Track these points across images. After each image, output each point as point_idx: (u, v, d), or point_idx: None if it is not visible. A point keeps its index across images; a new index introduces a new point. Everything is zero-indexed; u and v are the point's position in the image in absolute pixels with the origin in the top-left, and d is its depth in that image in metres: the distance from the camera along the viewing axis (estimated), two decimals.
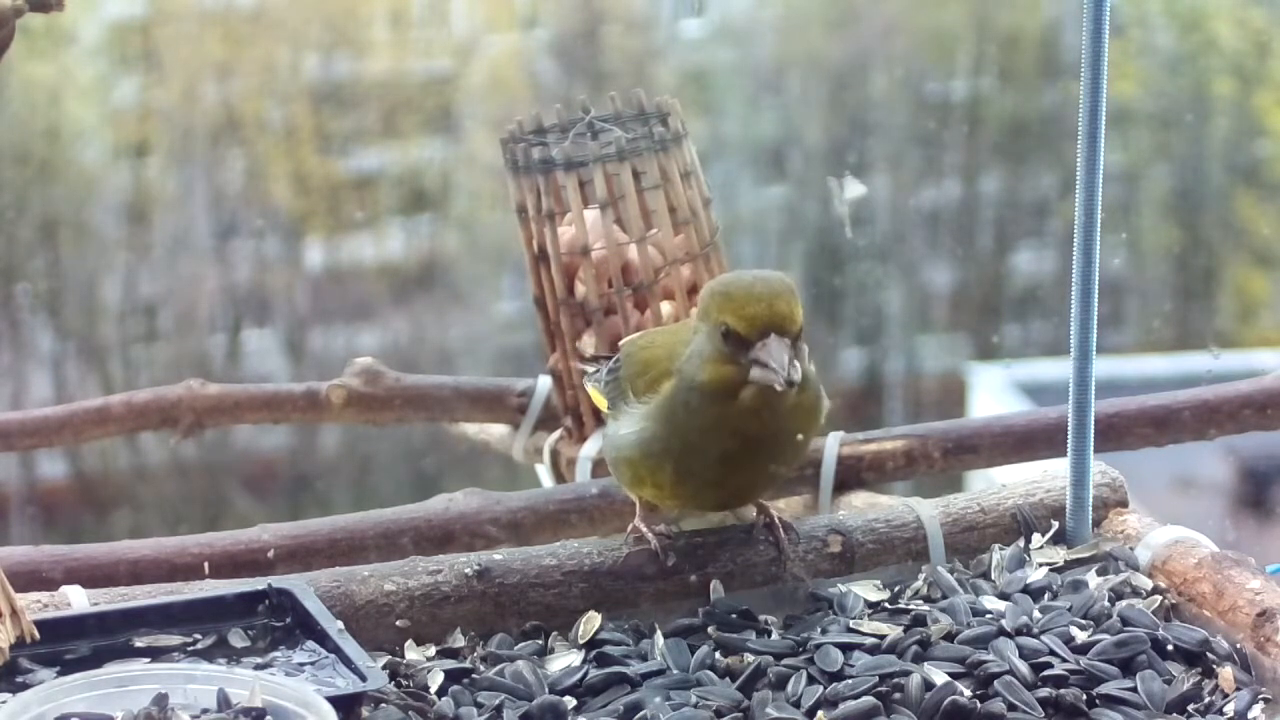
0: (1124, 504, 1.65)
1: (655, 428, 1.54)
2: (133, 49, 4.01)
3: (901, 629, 1.47)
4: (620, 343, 1.71)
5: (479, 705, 1.40)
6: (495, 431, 2.13)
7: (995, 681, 1.40)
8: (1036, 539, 1.61)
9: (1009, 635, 1.46)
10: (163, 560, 1.69)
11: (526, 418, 2.09)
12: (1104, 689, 1.40)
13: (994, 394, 4.12)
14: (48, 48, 3.83)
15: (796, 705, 1.40)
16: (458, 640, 1.49)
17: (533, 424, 2.08)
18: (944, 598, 1.53)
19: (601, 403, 1.65)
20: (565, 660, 1.46)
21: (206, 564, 1.68)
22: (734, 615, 1.51)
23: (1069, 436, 1.61)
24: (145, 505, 3.93)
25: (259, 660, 1.40)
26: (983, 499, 1.63)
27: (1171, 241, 4.19)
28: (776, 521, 1.57)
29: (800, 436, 1.54)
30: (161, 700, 1.27)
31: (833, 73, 4.18)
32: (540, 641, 1.50)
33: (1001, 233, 4.32)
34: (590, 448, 1.97)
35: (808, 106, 4.21)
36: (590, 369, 1.74)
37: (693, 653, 1.46)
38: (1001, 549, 1.59)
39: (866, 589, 1.55)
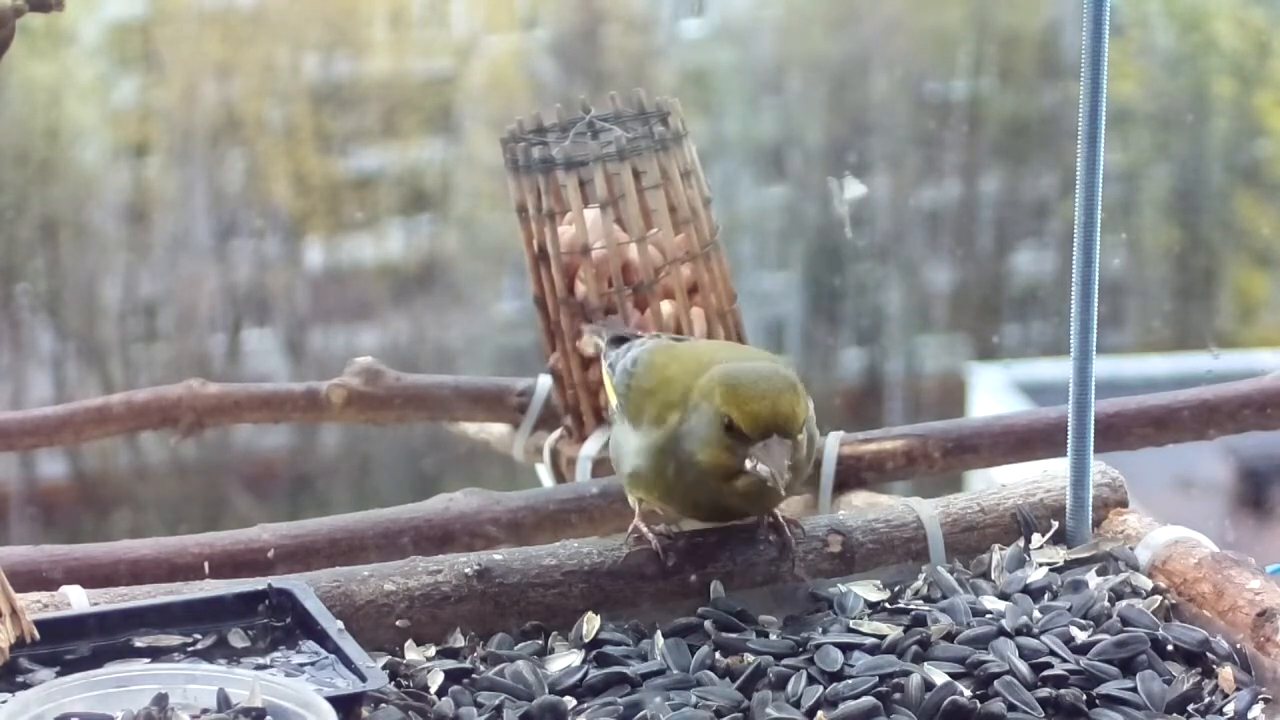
0: (1124, 504, 1.64)
1: (651, 461, 1.55)
2: (133, 49, 4.01)
3: (901, 629, 1.47)
4: (645, 336, 1.70)
5: (479, 705, 1.40)
6: (495, 431, 2.13)
7: (995, 681, 1.40)
8: (1036, 539, 1.60)
9: (1009, 635, 1.46)
10: (163, 560, 1.69)
11: (526, 418, 2.09)
12: (1104, 689, 1.40)
13: (994, 394, 4.12)
14: (48, 48, 3.83)
15: (796, 705, 1.40)
16: (458, 640, 1.49)
17: (533, 424, 2.09)
18: (944, 598, 1.53)
19: (611, 394, 1.66)
20: (565, 660, 1.46)
21: (206, 564, 1.68)
22: (734, 615, 1.51)
23: (1069, 436, 1.61)
24: (145, 505, 3.93)
25: (259, 660, 1.40)
26: (983, 499, 1.63)
27: (1171, 241, 4.19)
28: (780, 520, 1.57)
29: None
30: (161, 700, 1.27)
31: (833, 73, 4.18)
32: (540, 641, 1.50)
33: (1001, 233, 4.32)
34: (590, 448, 1.97)
35: (808, 106, 4.21)
36: (604, 338, 1.73)
37: (693, 653, 1.46)
38: (1001, 549, 1.59)
39: (866, 589, 1.55)
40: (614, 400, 1.65)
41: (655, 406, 1.56)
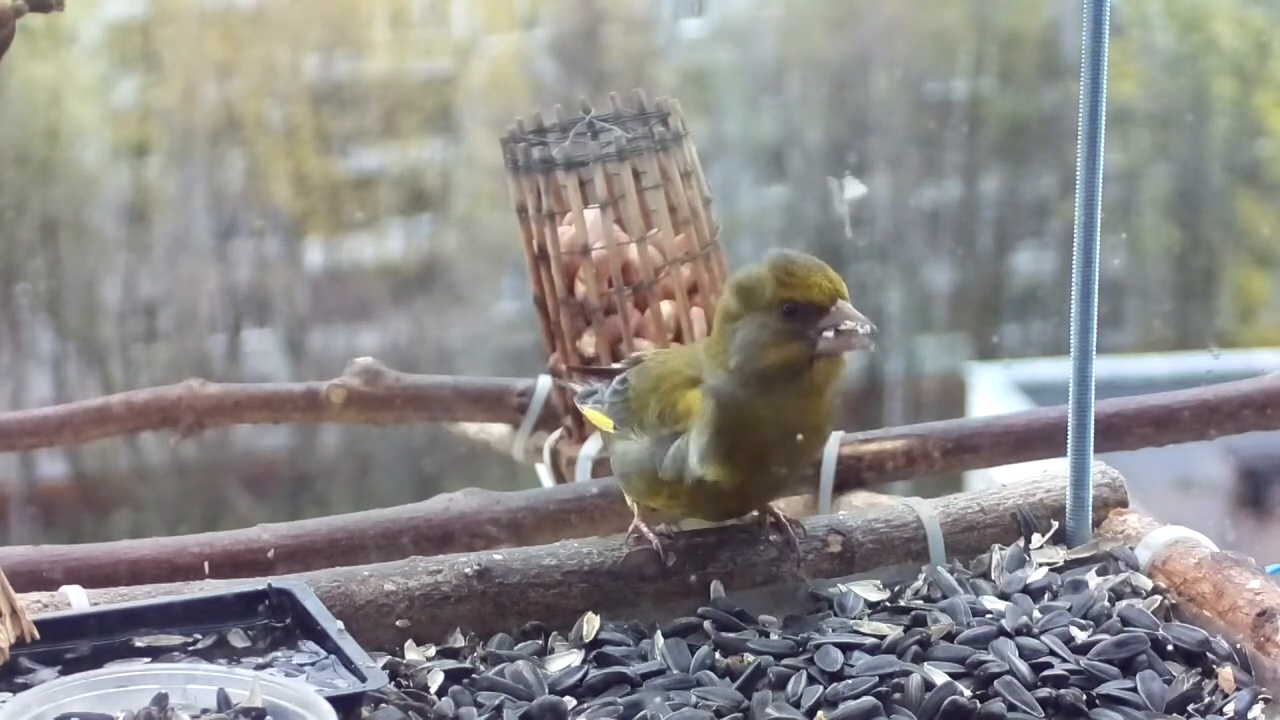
0: (1124, 504, 1.64)
1: (698, 450, 1.54)
2: (133, 49, 4.01)
3: (901, 629, 1.47)
4: (623, 362, 1.70)
5: (479, 705, 1.40)
6: (495, 431, 2.13)
7: (995, 681, 1.40)
8: (1036, 539, 1.60)
9: (1009, 635, 1.46)
10: (163, 560, 1.69)
11: (526, 418, 2.09)
12: (1104, 689, 1.40)
13: (994, 394, 4.12)
14: (48, 48, 3.84)
15: (796, 705, 1.40)
16: (458, 640, 1.49)
17: (533, 424, 2.08)
18: (944, 598, 1.53)
19: (605, 423, 1.63)
20: (565, 660, 1.46)
21: (206, 564, 1.68)
22: (734, 615, 1.51)
23: (1069, 436, 1.61)
24: (145, 505, 3.93)
25: (259, 660, 1.40)
26: (983, 499, 1.63)
27: (1171, 241, 4.20)
28: (782, 519, 1.57)
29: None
30: (161, 700, 1.27)
31: (833, 73, 4.19)
32: (540, 641, 1.50)
33: (1001, 233, 4.32)
34: (590, 448, 1.97)
35: (808, 106, 4.21)
36: (580, 388, 1.71)
37: (693, 653, 1.46)
38: (1001, 549, 1.59)
39: (866, 589, 1.55)
40: (609, 424, 1.62)
41: (660, 399, 1.55)
